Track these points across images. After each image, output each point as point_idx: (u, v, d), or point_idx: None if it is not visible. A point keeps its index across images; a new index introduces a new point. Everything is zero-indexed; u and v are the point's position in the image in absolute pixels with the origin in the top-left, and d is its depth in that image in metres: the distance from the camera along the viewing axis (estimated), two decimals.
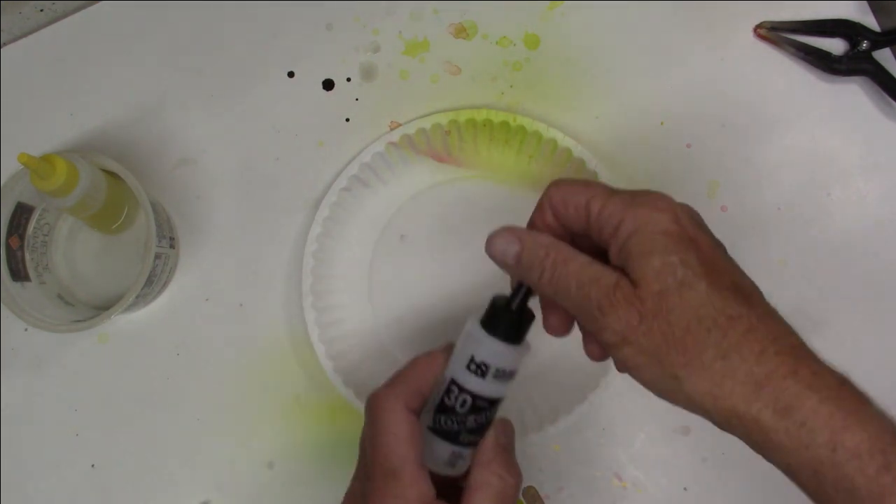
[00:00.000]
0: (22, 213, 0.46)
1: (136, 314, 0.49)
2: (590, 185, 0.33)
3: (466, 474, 0.33)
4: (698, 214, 0.33)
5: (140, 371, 0.49)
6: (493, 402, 0.34)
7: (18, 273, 0.46)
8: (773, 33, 0.50)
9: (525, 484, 0.48)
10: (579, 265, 0.32)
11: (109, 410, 0.49)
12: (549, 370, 0.48)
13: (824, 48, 0.50)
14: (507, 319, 0.34)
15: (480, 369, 0.33)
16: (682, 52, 0.51)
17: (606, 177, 0.47)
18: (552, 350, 0.49)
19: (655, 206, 0.32)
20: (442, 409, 0.33)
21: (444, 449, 0.33)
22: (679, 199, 0.49)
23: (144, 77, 0.51)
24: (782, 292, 0.49)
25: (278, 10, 0.51)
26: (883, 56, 0.49)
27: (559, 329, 0.35)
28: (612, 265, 0.32)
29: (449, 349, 0.35)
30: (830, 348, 0.49)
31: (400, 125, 0.49)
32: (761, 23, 0.50)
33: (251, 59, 0.51)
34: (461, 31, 0.51)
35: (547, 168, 0.50)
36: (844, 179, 0.50)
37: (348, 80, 0.51)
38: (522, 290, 0.34)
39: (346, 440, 0.48)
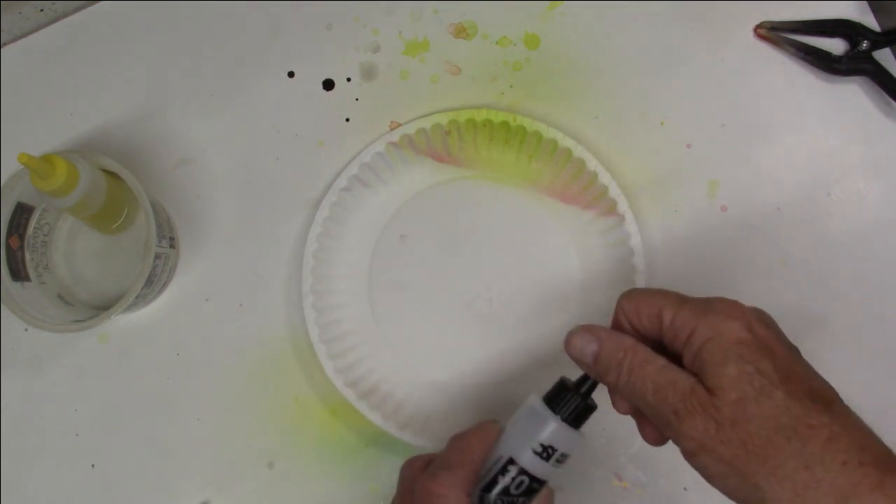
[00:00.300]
0: (22, 213, 0.46)
1: (136, 314, 0.49)
2: (661, 294, 0.34)
3: None
4: (769, 317, 0.34)
5: (140, 371, 0.49)
6: (543, 484, 0.33)
7: (18, 273, 0.46)
8: (773, 33, 0.50)
9: None
10: (656, 368, 0.32)
11: (109, 410, 0.49)
12: (550, 370, 0.48)
13: (824, 48, 0.50)
14: (574, 404, 0.34)
15: (547, 452, 0.32)
16: (682, 52, 0.51)
17: (606, 177, 0.48)
18: (552, 350, 0.49)
19: (727, 313, 0.32)
20: (493, 487, 0.32)
21: None
22: (679, 199, 0.49)
23: (144, 77, 0.51)
24: (782, 292, 0.49)
25: (278, 10, 0.51)
26: (883, 56, 0.49)
27: (655, 441, 0.35)
28: (687, 371, 0.32)
29: (494, 428, 0.34)
30: (830, 348, 0.49)
31: (400, 125, 0.49)
32: (761, 23, 0.50)
33: (251, 59, 0.51)
34: (461, 31, 0.51)
35: (547, 168, 0.50)
36: (844, 179, 0.50)
37: (348, 80, 0.51)
38: (591, 379, 0.34)
39: (346, 440, 0.48)
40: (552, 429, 0.33)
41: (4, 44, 0.52)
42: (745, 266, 0.49)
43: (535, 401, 0.34)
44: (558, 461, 0.33)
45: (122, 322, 0.49)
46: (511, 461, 0.32)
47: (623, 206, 0.48)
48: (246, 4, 0.51)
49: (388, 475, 0.48)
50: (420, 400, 0.48)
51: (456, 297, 0.49)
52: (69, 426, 0.49)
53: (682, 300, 0.33)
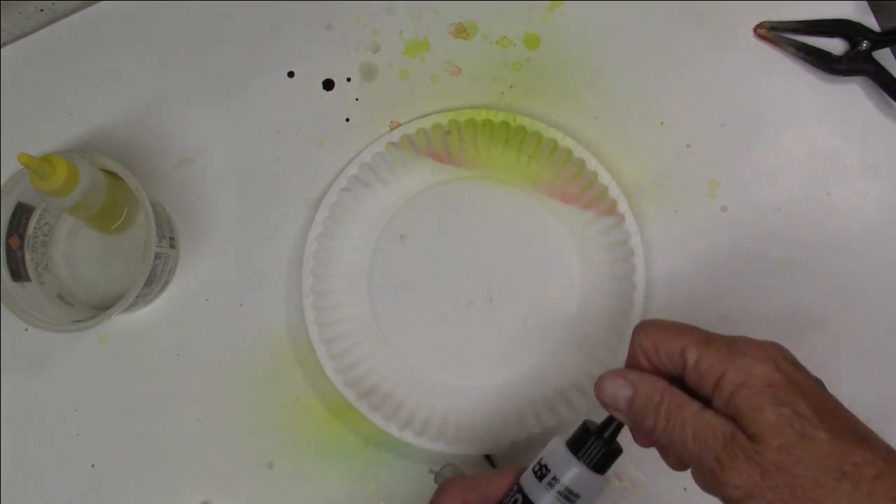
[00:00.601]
0: (22, 213, 0.46)
1: (136, 314, 0.49)
2: (681, 331, 0.33)
3: None
4: (789, 352, 0.33)
5: (140, 371, 0.49)
6: None
7: (18, 273, 0.46)
8: (773, 33, 0.50)
9: None
10: (692, 413, 0.32)
11: (109, 410, 0.49)
12: (550, 370, 0.48)
13: (824, 48, 0.50)
14: (598, 449, 0.33)
15: (570, 498, 0.32)
16: (682, 52, 0.51)
17: (606, 177, 0.48)
18: (552, 350, 0.49)
19: (755, 356, 0.31)
20: None
21: None
22: (679, 199, 0.50)
23: (144, 77, 0.51)
24: (782, 292, 0.49)
25: (278, 10, 0.51)
26: (883, 56, 0.49)
27: (680, 468, 0.35)
28: (722, 415, 0.31)
29: (520, 469, 0.34)
30: (830, 348, 0.49)
31: (400, 125, 0.49)
32: (761, 23, 0.50)
33: (251, 59, 0.51)
34: (461, 31, 0.51)
35: (547, 168, 0.50)
36: (844, 179, 0.50)
37: (348, 80, 0.51)
38: (616, 422, 0.33)
39: (346, 440, 0.48)
40: (574, 474, 0.32)
41: (4, 44, 0.52)
42: (745, 266, 0.49)
43: (558, 445, 0.33)
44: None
45: (122, 322, 0.49)
46: (528, 501, 0.32)
47: (623, 206, 0.47)
48: (246, 4, 0.51)
49: (388, 475, 0.48)
50: (420, 400, 0.48)
51: (456, 297, 0.49)
52: (69, 426, 0.49)
53: (704, 339, 0.33)
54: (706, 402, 0.32)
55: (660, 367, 0.34)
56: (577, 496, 0.32)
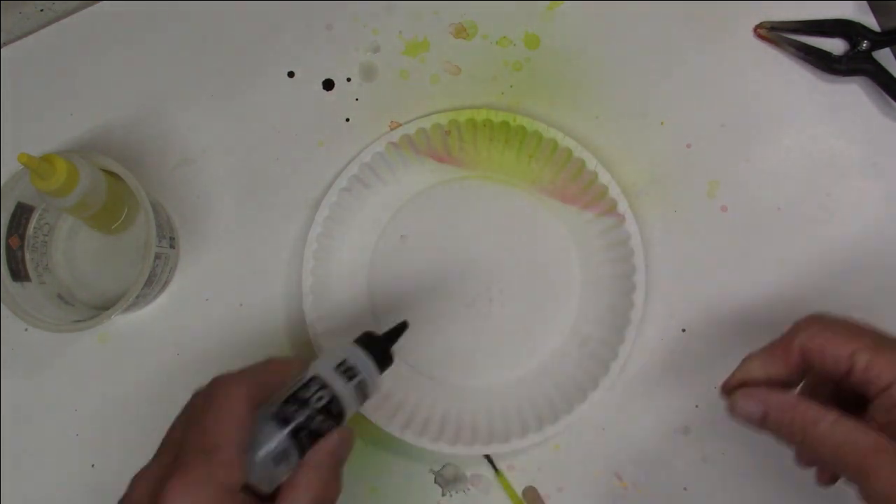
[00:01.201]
0: (22, 213, 0.46)
1: (136, 314, 0.49)
2: (854, 334, 0.33)
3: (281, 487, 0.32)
4: None
5: (140, 371, 0.49)
6: (341, 418, 0.34)
7: (18, 273, 0.46)
8: (773, 33, 0.50)
9: (525, 484, 0.48)
10: (829, 425, 0.32)
11: (109, 410, 0.49)
12: (550, 370, 0.48)
13: (824, 48, 0.50)
14: (378, 349, 0.36)
15: (349, 373, 0.34)
16: (682, 52, 0.51)
17: (606, 177, 0.48)
18: (552, 350, 0.49)
19: None
20: (294, 399, 0.33)
21: (277, 440, 0.32)
22: (679, 199, 0.50)
23: (144, 77, 0.51)
24: (782, 292, 0.49)
25: (278, 10, 0.51)
26: (883, 56, 0.49)
27: (829, 482, 0.36)
28: (867, 418, 0.32)
29: (306, 361, 0.35)
30: None
31: (400, 125, 0.49)
32: (761, 23, 0.50)
33: (251, 59, 0.51)
34: (461, 31, 0.51)
35: (547, 168, 0.50)
36: (844, 179, 0.50)
37: (348, 80, 0.51)
38: (400, 333, 0.38)
39: None
40: (355, 355, 0.35)
41: (4, 44, 0.52)
42: (745, 266, 0.49)
43: (341, 340, 0.36)
44: (357, 388, 0.34)
45: (122, 322, 0.49)
46: (315, 377, 0.34)
47: (623, 206, 0.48)
48: (246, 4, 0.51)
49: (388, 475, 0.48)
50: (420, 400, 0.48)
51: (456, 297, 0.49)
52: (69, 426, 0.49)
53: (878, 344, 0.32)
54: (862, 402, 0.32)
55: (818, 368, 0.34)
56: (356, 372, 0.35)
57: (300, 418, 0.32)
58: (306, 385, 0.33)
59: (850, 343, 0.33)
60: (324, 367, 0.34)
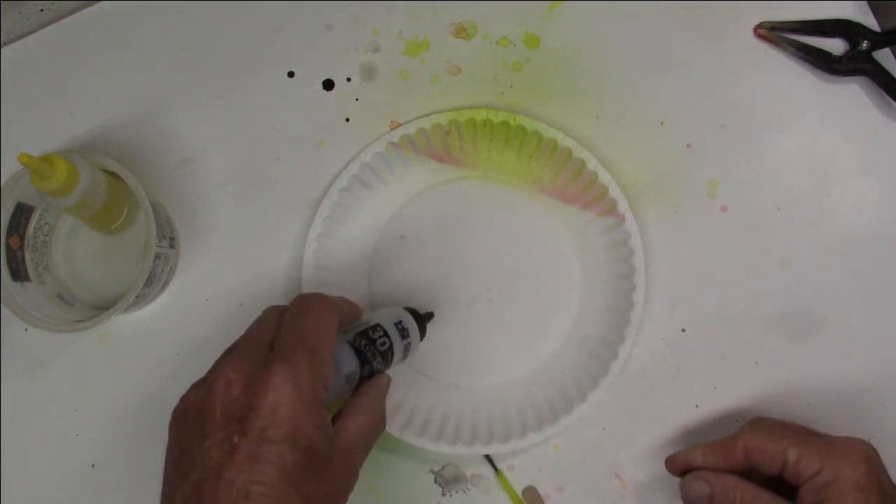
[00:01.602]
0: (22, 213, 0.46)
1: (136, 314, 0.49)
2: (784, 433, 0.40)
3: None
4: (878, 455, 0.39)
5: (140, 371, 0.49)
6: (389, 363, 0.40)
7: (18, 273, 0.46)
8: (773, 33, 0.50)
9: (525, 484, 0.48)
10: (764, 502, 0.38)
11: (109, 410, 0.49)
12: (550, 370, 0.48)
13: (824, 48, 0.50)
14: (422, 324, 0.44)
15: (403, 332, 0.41)
16: (682, 52, 0.51)
17: (606, 177, 0.48)
18: (552, 350, 0.49)
19: (851, 458, 0.37)
20: (364, 336, 0.38)
21: (350, 362, 0.37)
22: (679, 199, 0.50)
23: (144, 77, 0.51)
24: (782, 292, 0.49)
25: (278, 10, 0.51)
26: (883, 56, 0.49)
27: None
28: (797, 501, 0.38)
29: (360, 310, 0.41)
30: (830, 348, 0.49)
31: (400, 125, 0.49)
32: (761, 23, 0.50)
33: (251, 59, 0.51)
34: (461, 31, 0.51)
35: (547, 168, 0.50)
36: (844, 179, 0.50)
37: (348, 80, 0.51)
38: (430, 319, 0.45)
39: None
40: (406, 316, 0.42)
41: (4, 44, 0.52)
42: (745, 266, 0.49)
43: (396, 307, 0.43)
44: (405, 348, 0.41)
45: (122, 322, 0.49)
46: (380, 325, 0.40)
47: (623, 206, 0.48)
48: (246, 4, 0.51)
49: (388, 475, 0.48)
50: (420, 400, 0.48)
51: (456, 297, 0.49)
52: (69, 426, 0.49)
53: (805, 440, 0.39)
54: (783, 490, 0.39)
55: (755, 465, 0.40)
56: (407, 333, 0.41)
57: (367, 352, 0.38)
58: (373, 329, 0.39)
59: (781, 441, 0.39)
60: (385, 321, 0.40)
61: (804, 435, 0.40)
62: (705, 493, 0.40)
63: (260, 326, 0.37)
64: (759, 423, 0.41)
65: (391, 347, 0.39)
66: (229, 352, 0.35)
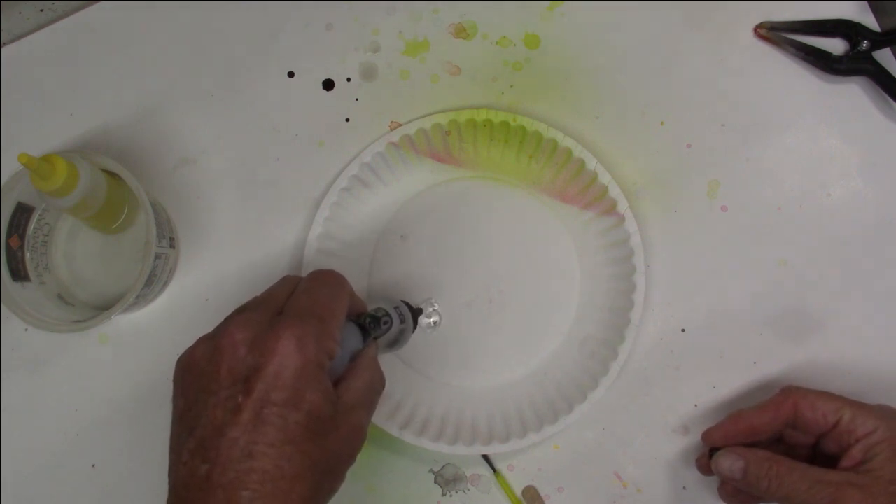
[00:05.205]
0: (22, 213, 0.46)
1: (136, 314, 0.49)
2: (838, 396, 0.42)
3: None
4: None
5: (140, 371, 0.49)
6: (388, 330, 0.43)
7: (18, 273, 0.46)
8: (773, 33, 0.50)
9: (525, 484, 0.48)
10: (802, 471, 0.39)
11: (109, 410, 0.49)
12: (550, 370, 0.48)
13: (824, 48, 0.50)
14: (415, 316, 0.45)
15: (402, 318, 0.43)
16: (682, 52, 0.51)
17: (606, 177, 0.48)
18: (552, 350, 0.49)
19: None
20: (370, 315, 0.41)
21: (356, 340, 0.39)
22: (679, 198, 0.50)
23: (144, 77, 0.51)
24: (782, 292, 0.49)
25: (278, 10, 0.51)
26: (883, 56, 0.49)
27: None
28: (840, 466, 0.40)
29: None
30: (831, 348, 0.49)
31: (400, 125, 0.49)
32: (761, 23, 0.50)
33: (251, 59, 0.51)
34: (461, 31, 0.51)
35: (547, 168, 0.50)
36: (844, 179, 0.50)
37: (348, 80, 0.51)
38: (421, 312, 0.47)
39: None
40: (404, 307, 0.43)
41: (4, 44, 0.52)
42: (745, 266, 0.49)
43: (404, 306, 0.44)
44: (402, 334, 0.43)
45: (122, 322, 0.49)
46: (381, 308, 0.42)
47: (623, 206, 0.48)
48: (246, 4, 0.51)
49: (387, 475, 0.48)
50: (419, 400, 0.48)
51: (456, 297, 0.49)
52: (69, 426, 0.49)
53: (859, 404, 0.41)
54: (830, 456, 0.41)
55: (801, 425, 0.42)
56: (404, 319, 0.43)
57: (371, 329, 0.40)
58: (377, 310, 0.41)
59: (837, 401, 0.41)
60: (387, 306, 0.42)
61: (854, 400, 0.41)
62: (738, 467, 0.41)
63: (274, 290, 0.37)
64: (808, 390, 0.43)
65: (391, 327, 0.42)
66: (240, 311, 0.36)
